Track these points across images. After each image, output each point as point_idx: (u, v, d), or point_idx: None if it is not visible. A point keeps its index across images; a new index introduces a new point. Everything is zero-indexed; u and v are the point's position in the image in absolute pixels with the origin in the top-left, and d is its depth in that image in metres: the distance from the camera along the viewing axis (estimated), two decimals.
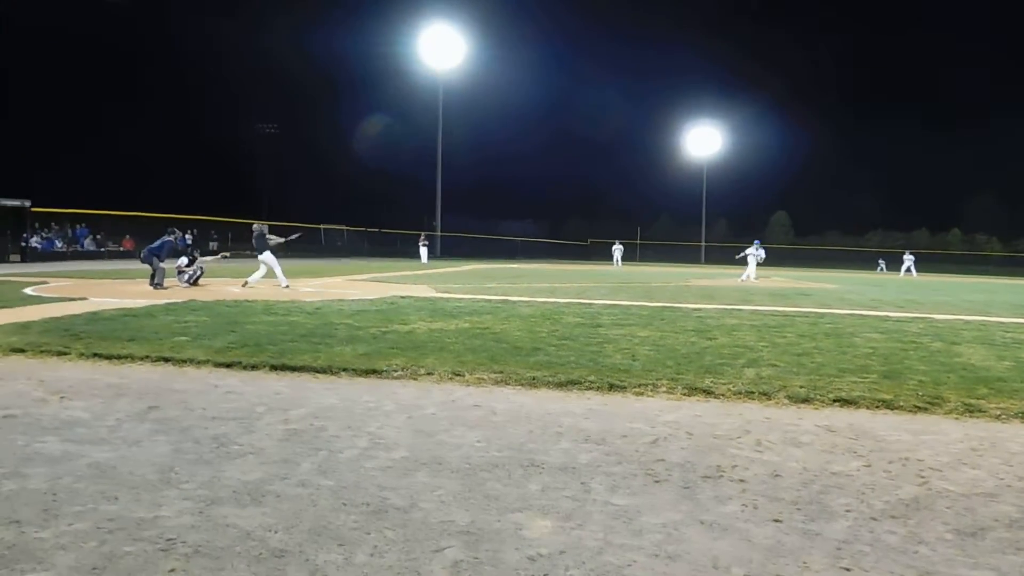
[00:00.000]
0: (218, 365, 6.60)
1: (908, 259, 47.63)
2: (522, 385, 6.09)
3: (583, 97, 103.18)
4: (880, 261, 57.47)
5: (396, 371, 6.43)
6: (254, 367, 6.53)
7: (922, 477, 4.04)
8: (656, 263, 54.03)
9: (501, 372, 6.42)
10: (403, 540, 3.00)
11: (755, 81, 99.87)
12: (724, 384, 6.15)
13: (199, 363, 6.66)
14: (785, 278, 31.54)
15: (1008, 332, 10.50)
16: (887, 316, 12.51)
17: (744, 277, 27.47)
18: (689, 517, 3.33)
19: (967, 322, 11.91)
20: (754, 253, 27.64)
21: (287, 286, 15.50)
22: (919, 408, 5.51)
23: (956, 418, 5.30)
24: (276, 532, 3.04)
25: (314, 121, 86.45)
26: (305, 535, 3.02)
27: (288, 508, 3.31)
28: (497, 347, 7.70)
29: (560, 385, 6.07)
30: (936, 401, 5.62)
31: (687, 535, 3.14)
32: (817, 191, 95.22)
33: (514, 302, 13.32)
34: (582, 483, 3.75)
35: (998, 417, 5.28)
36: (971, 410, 5.41)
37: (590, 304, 13.33)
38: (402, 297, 13.95)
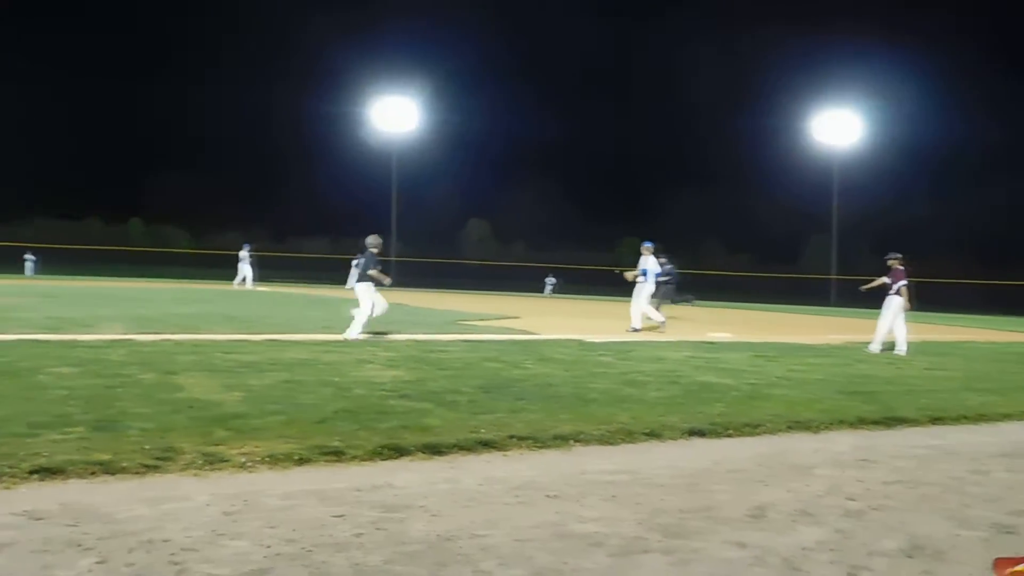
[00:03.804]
0: None
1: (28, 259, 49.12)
2: None
3: None
4: None
5: None
6: None
7: (177, 564, 3.31)
8: None
9: None
10: None
11: None
12: None
13: None
14: None
15: (229, 353, 9.68)
16: (76, 340, 10.48)
17: None
18: None
19: (179, 343, 10.76)
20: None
21: None
22: (149, 467, 4.65)
23: (196, 474, 4.64)
24: None
25: None
26: None
27: None
28: None
29: None
30: (169, 455, 4.84)
31: None
32: None
33: None
34: None
35: (244, 465, 4.81)
36: (213, 461, 4.81)
37: None
38: None
